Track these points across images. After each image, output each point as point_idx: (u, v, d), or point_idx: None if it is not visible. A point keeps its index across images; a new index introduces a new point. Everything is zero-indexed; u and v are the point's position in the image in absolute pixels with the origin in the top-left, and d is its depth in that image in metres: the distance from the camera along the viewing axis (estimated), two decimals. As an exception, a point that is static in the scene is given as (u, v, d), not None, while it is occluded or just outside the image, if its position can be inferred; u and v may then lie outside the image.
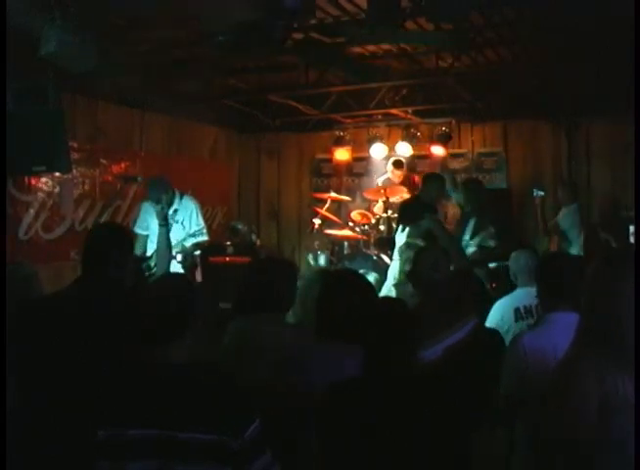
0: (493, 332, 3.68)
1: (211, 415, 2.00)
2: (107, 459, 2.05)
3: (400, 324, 2.29)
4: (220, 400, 2.04)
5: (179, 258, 5.83)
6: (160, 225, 4.87)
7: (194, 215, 6.21)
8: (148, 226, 6.22)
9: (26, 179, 6.93)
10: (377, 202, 8.82)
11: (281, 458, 2.09)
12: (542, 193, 7.53)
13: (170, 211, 6.07)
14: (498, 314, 4.20)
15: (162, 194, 6.02)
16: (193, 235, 6.14)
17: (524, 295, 4.11)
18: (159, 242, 4.79)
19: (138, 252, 6.22)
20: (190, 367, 2.13)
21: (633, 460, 2.02)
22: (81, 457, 2.21)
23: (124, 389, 2.14)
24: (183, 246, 6.03)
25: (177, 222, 6.13)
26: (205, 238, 6.23)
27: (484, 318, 3.93)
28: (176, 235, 5.99)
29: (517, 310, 4.12)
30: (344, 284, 2.78)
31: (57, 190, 7.30)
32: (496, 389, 2.96)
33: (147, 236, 6.25)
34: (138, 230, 6.32)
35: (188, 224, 6.16)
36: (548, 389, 2.17)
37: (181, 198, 6.21)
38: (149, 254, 6.13)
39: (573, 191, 7.81)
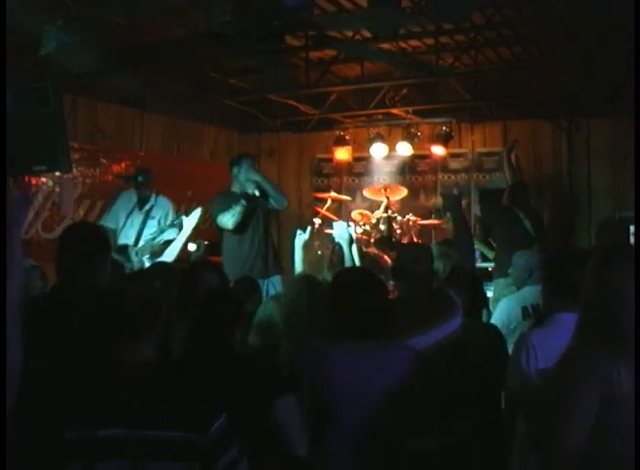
0: (491, 327, 3.68)
1: (177, 412, 1.99)
2: (78, 460, 2.04)
3: None
4: (185, 397, 2.03)
5: (192, 247, 5.88)
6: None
7: (169, 214, 6.33)
8: (118, 221, 6.23)
9: (27, 179, 6.93)
10: (379, 207, 8.78)
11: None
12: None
13: (147, 207, 6.28)
14: (505, 312, 4.29)
15: (149, 186, 6.29)
16: (164, 230, 6.13)
17: (530, 293, 4.15)
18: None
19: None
20: (156, 365, 2.11)
21: (626, 455, 2.02)
22: (47, 460, 2.17)
23: (90, 388, 2.11)
24: (153, 246, 6.02)
25: (153, 219, 6.26)
26: (173, 235, 5.92)
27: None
28: (150, 230, 6.15)
29: (524, 309, 4.19)
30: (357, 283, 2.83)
31: (57, 190, 7.31)
32: (494, 383, 2.96)
33: (115, 230, 6.20)
34: (109, 224, 6.21)
35: (163, 222, 6.26)
36: (544, 385, 2.16)
37: (157, 196, 6.36)
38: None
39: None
